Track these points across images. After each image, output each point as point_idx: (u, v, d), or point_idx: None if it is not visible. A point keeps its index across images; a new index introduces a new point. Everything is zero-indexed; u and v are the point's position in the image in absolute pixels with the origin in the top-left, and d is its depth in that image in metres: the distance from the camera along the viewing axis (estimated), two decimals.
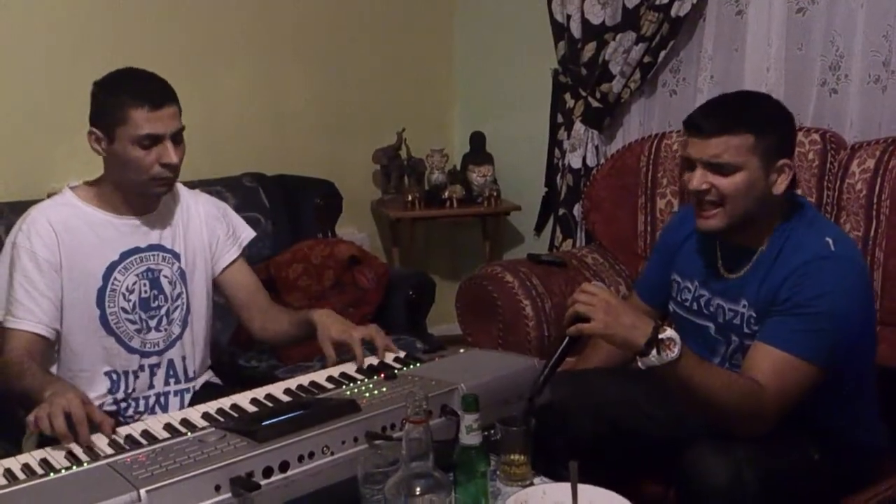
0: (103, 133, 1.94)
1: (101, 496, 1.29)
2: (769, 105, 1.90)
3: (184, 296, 2.12)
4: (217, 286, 2.21)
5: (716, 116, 1.83)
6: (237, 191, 3.06)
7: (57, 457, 1.52)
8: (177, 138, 1.96)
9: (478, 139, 3.86)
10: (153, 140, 1.92)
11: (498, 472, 1.70)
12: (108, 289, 2.01)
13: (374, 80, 3.78)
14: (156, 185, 1.98)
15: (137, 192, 2.01)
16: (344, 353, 2.00)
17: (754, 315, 1.86)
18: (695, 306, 2.00)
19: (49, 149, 2.89)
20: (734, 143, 1.79)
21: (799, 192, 2.50)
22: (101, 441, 1.59)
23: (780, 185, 1.83)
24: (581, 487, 1.54)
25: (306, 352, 2.60)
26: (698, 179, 1.83)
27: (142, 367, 2.06)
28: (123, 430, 1.63)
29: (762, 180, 1.81)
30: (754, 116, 1.82)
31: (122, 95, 1.91)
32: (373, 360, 1.97)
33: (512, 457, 1.69)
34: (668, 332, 1.68)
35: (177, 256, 2.10)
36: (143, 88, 1.93)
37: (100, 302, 2.01)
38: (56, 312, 1.96)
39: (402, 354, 2.00)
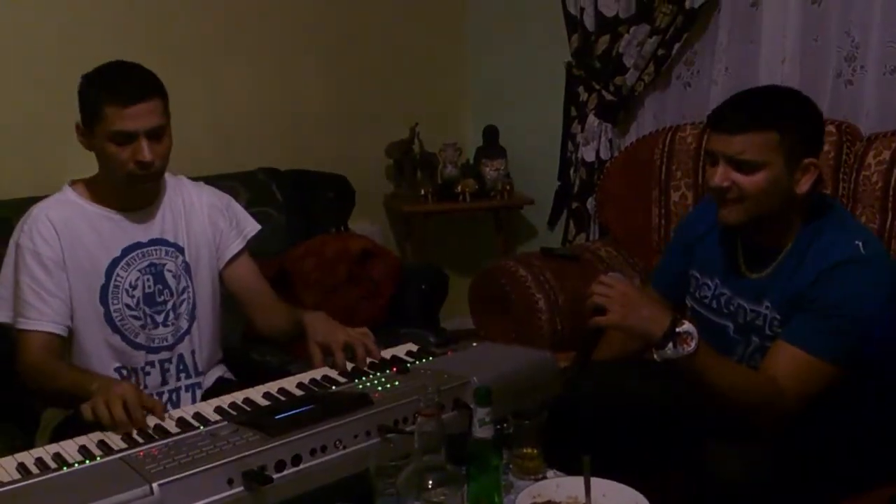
0: (85, 127, 1.94)
1: (114, 490, 1.29)
2: (796, 102, 1.85)
3: (189, 289, 2.10)
4: (222, 280, 2.19)
5: (741, 113, 1.80)
6: (251, 185, 3.06)
7: (70, 451, 1.52)
8: (154, 135, 1.90)
9: (491, 133, 3.85)
10: (126, 137, 1.88)
11: (511, 466, 1.69)
12: (111, 286, 2.00)
13: (387, 75, 3.78)
14: (134, 182, 1.95)
15: (121, 187, 1.98)
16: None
17: (778, 317, 1.83)
18: (714, 304, 1.98)
19: (62, 145, 2.89)
20: (758, 140, 1.76)
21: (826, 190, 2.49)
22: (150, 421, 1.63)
23: (805, 185, 1.79)
24: (594, 481, 1.54)
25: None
26: (720, 176, 1.80)
27: (151, 364, 2.05)
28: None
29: (786, 179, 1.78)
30: (780, 114, 1.79)
31: (99, 91, 1.90)
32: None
33: (525, 450, 1.69)
34: (686, 326, 1.67)
35: (180, 250, 2.09)
36: (119, 84, 1.89)
37: (103, 299, 1.99)
38: (67, 310, 1.96)
39: (414, 348, 1.99)
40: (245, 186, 3.01)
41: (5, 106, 2.83)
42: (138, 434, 1.58)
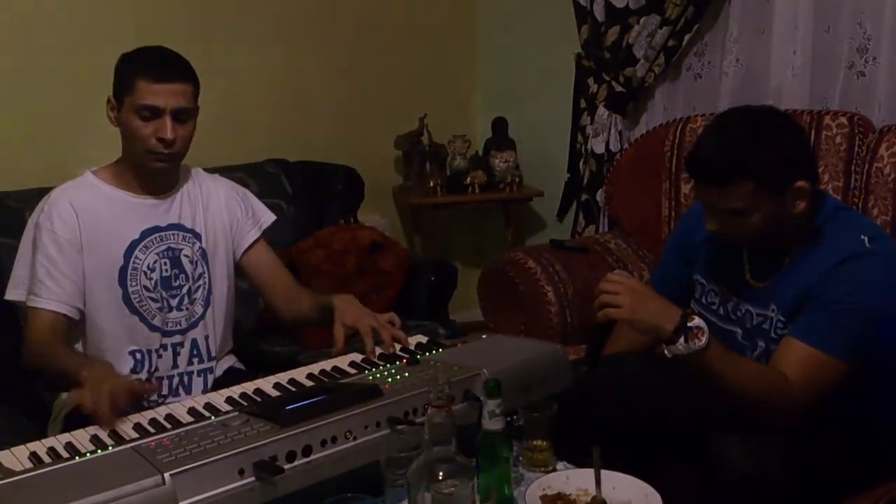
0: (116, 101, 1.98)
1: (126, 480, 1.29)
2: (763, 134, 1.74)
3: (206, 276, 2.14)
4: (240, 269, 2.22)
5: (710, 169, 1.74)
6: (260, 177, 3.06)
7: (82, 440, 1.53)
8: (180, 116, 1.96)
9: (500, 124, 3.84)
10: (152, 112, 1.93)
11: (521, 458, 1.70)
12: (130, 267, 2.03)
13: (397, 67, 3.77)
14: (151, 160, 1.98)
15: (139, 165, 2.02)
16: (357, 340, 2.00)
17: (783, 319, 1.82)
18: (722, 311, 1.96)
19: (72, 137, 2.91)
20: (736, 192, 1.71)
21: (826, 177, 2.47)
22: (142, 419, 1.61)
23: (801, 205, 1.75)
24: (604, 473, 1.53)
25: (329, 337, 2.60)
26: (710, 223, 1.80)
27: (164, 347, 2.08)
28: (148, 414, 1.64)
29: (778, 210, 1.74)
30: (748, 161, 1.70)
31: (133, 65, 1.96)
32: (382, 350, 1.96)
33: (535, 442, 1.69)
34: (697, 321, 1.67)
35: (197, 236, 2.13)
36: (155, 61, 1.96)
37: (122, 281, 2.02)
38: (78, 292, 1.98)
39: (424, 340, 2.00)
40: (254, 177, 3.01)
41: (16, 99, 2.84)
42: (150, 424, 1.59)
